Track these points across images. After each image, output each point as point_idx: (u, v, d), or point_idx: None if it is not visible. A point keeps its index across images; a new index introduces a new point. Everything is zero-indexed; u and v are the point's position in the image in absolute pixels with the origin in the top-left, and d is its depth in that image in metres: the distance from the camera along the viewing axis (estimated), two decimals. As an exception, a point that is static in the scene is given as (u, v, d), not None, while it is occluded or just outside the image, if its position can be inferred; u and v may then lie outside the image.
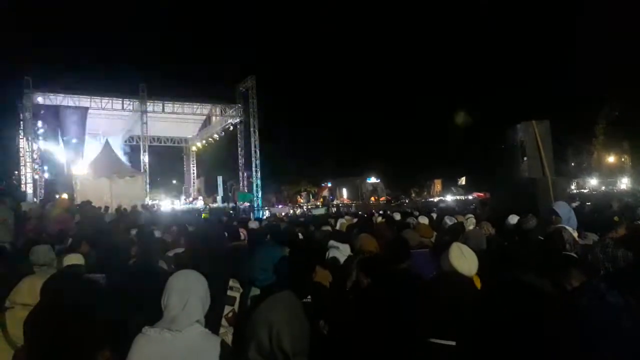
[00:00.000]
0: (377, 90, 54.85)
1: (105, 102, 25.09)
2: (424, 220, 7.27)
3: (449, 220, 6.88)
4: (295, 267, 3.08)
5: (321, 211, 22.21)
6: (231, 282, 3.24)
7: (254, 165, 27.54)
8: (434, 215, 9.07)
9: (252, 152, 27.53)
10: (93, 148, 23.56)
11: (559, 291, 2.59)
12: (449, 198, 37.03)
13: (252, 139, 27.52)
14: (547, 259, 3.14)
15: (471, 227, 5.98)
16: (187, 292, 2.26)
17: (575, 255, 3.76)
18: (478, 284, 3.14)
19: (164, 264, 4.34)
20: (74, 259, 4.18)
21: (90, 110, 23.65)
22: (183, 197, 31.96)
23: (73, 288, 2.86)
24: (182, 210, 25.19)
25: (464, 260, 2.77)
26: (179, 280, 2.31)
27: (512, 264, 3.30)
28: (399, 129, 49.78)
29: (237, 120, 28.50)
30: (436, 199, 38.29)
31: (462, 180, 43.79)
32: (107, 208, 16.12)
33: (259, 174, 27.61)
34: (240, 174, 29.52)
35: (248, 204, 27.15)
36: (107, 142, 23.42)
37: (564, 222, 5.27)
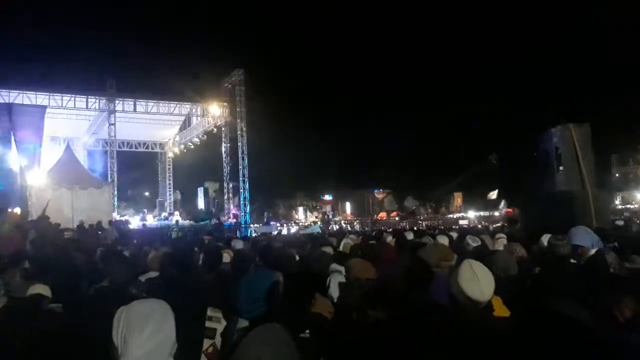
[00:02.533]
0: (387, 89, 54.95)
1: (67, 99, 25.17)
2: (442, 240, 7.23)
3: (472, 241, 6.82)
4: (291, 296, 3.04)
5: (314, 229, 22.18)
6: (210, 312, 3.20)
7: (241, 174, 27.56)
8: (454, 235, 9.02)
9: (240, 159, 27.57)
10: (52, 154, 23.52)
11: (607, 323, 2.55)
12: (472, 214, 36.97)
13: (240, 144, 27.58)
14: (592, 284, 3.11)
15: (500, 249, 5.94)
16: (150, 325, 2.20)
17: (625, 279, 3.72)
18: (499, 309, 3.11)
19: (135, 291, 4.31)
20: (40, 289, 4.16)
21: (49, 110, 23.65)
22: (157, 212, 31.90)
23: (29, 324, 2.85)
24: (156, 227, 25.12)
25: (475, 282, 2.69)
26: (139, 311, 2.25)
27: (546, 290, 3.26)
28: (413, 134, 49.70)
29: (222, 121, 28.57)
30: (456, 216, 38.26)
31: (494, 194, 43.56)
32: (58, 225, 16.03)
33: (247, 185, 27.61)
34: (226, 184, 29.53)
35: (234, 221, 27.11)
36: (68, 147, 23.41)
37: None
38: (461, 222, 28.82)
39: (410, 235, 9.01)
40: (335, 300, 3.94)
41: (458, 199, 47.41)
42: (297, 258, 6.59)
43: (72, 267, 5.96)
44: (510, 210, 34.20)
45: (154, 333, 2.16)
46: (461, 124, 49.58)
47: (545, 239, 6.12)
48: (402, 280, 3.66)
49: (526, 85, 44.46)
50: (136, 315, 2.20)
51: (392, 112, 52.02)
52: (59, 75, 41.00)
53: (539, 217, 9.69)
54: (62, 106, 25.15)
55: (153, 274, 5.05)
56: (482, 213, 37.19)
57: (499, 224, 21.20)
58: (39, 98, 24.39)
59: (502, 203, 39.86)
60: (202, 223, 26.04)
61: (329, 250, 6.59)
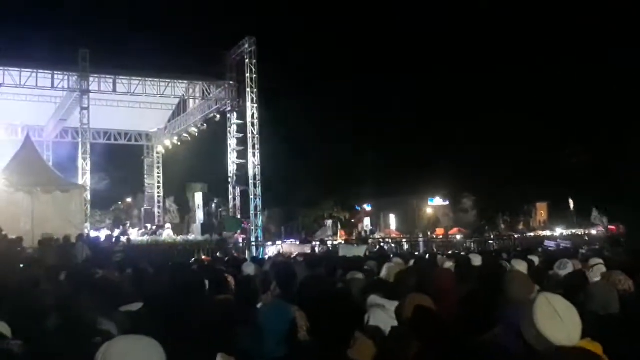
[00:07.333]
0: (443, 62, 54.47)
1: (27, 76, 25.56)
2: (519, 265, 7.18)
3: (561, 269, 6.78)
4: (321, 335, 3.06)
5: (358, 251, 22.00)
6: (220, 358, 3.25)
7: (252, 175, 27.68)
8: (536, 260, 8.95)
9: (250, 155, 27.68)
10: (7, 146, 24.02)
11: None
12: (561, 232, 36.49)
13: (250, 135, 27.69)
14: None
15: (597, 279, 5.87)
16: None
17: None
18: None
19: (113, 325, 4.39)
20: (-1, 327, 4.29)
21: (3, 89, 24.13)
22: (143, 223, 32.26)
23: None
24: (141, 242, 25.36)
25: (558, 323, 2.69)
26: (123, 349, 2.32)
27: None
28: (480, 123, 49.20)
29: (228, 105, 28.77)
30: (540, 234, 37.80)
31: (571, 204, 42.79)
32: (20, 240, 16.34)
33: (259, 190, 27.71)
34: (231, 188, 29.71)
35: (241, 236, 27.23)
36: (27, 138, 23.84)
37: None
38: (547, 242, 28.41)
39: (477, 260, 8.98)
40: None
41: (542, 211, 46.88)
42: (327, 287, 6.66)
43: (35, 296, 6.09)
44: (612, 227, 33.70)
45: None
46: (541, 107, 48.80)
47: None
48: (460, 318, 3.66)
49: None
50: (120, 354, 2.27)
51: (453, 102, 51.53)
52: (16, 44, 41.76)
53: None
54: (20, 84, 25.45)
55: (136, 305, 5.12)
56: (574, 231, 36.70)
57: (595, 246, 20.85)
58: (-9, 74, 24.79)
59: (594, 215, 39.11)
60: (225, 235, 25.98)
61: (359, 276, 6.63)
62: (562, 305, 2.76)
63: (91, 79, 26.13)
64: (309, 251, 24.17)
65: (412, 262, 9.54)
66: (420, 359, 3.33)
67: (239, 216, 29.19)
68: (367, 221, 43.45)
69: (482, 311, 3.67)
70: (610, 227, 34.55)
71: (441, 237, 38.69)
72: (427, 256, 13.71)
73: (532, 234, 38.49)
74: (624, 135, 43.25)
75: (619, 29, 47.78)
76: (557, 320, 2.69)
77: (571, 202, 42.90)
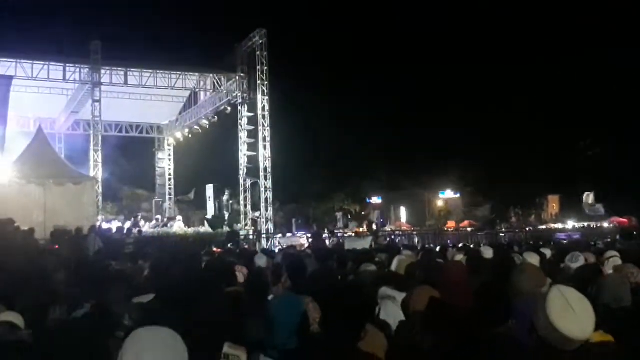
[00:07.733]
0: (453, 55, 54.22)
1: (39, 68, 25.66)
2: (531, 258, 7.15)
3: (572, 262, 6.74)
4: (331, 327, 3.07)
5: (362, 243, 22.02)
6: (227, 348, 3.26)
7: (262, 167, 27.70)
8: (548, 252, 8.91)
9: (260, 147, 27.69)
10: (19, 138, 24.10)
11: None
12: (572, 225, 36.34)
13: (261, 128, 27.71)
14: None
15: (610, 272, 5.84)
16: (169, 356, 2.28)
17: None
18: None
19: (125, 317, 4.40)
20: (11, 316, 4.31)
21: (15, 81, 24.21)
22: (154, 216, 32.35)
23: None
24: (153, 234, 25.41)
25: (571, 315, 2.65)
26: (142, 342, 2.32)
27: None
28: (491, 117, 48.99)
29: (238, 98, 28.78)
30: (552, 226, 37.66)
31: (590, 197, 42.67)
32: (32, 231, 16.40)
33: (269, 182, 27.74)
34: (241, 181, 29.76)
35: (252, 229, 27.28)
36: (39, 130, 23.90)
37: None
38: (559, 235, 28.31)
39: (488, 253, 8.94)
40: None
41: (553, 204, 46.66)
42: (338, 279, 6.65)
43: (49, 288, 6.12)
44: (624, 220, 33.56)
45: None
46: (548, 104, 48.69)
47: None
48: (472, 311, 3.64)
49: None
50: (139, 345, 2.28)
51: (460, 87, 51.34)
52: (28, 36, 41.89)
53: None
54: (32, 77, 25.64)
55: (148, 297, 5.13)
56: (586, 224, 36.54)
57: (608, 239, 20.74)
58: (2, 66, 24.86)
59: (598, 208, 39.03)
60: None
61: (371, 268, 6.61)
62: (575, 297, 2.72)
63: (103, 71, 26.26)
64: (305, 242, 24.13)
65: (421, 255, 9.53)
66: (433, 351, 3.33)
67: (250, 208, 29.24)
68: (377, 214, 43.48)
69: (494, 304, 3.65)
70: (621, 219, 34.40)
71: (452, 229, 38.60)
72: (438, 249, 13.69)
73: (544, 227, 38.34)
74: (624, 134, 43.44)
75: (619, 29, 47.54)
76: (570, 312, 2.65)
77: (590, 195, 42.74)
